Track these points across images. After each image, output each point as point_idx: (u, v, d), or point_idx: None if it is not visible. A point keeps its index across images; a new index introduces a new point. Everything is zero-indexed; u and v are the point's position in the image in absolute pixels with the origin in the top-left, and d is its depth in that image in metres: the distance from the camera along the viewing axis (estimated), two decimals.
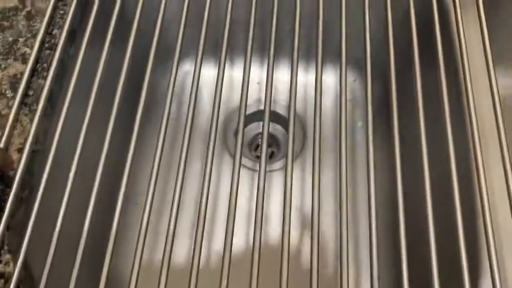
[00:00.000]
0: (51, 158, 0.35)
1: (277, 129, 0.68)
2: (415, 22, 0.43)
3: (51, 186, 0.34)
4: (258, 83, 0.67)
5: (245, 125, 0.66)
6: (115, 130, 0.37)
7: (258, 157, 0.66)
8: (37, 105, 0.36)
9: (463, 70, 0.41)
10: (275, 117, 0.66)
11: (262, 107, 0.66)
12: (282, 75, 0.67)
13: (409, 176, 0.38)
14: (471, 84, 0.40)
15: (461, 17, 0.43)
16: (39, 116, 0.36)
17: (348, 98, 0.66)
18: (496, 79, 0.41)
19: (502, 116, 0.39)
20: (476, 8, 0.44)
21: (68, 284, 0.31)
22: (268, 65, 0.42)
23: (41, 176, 0.34)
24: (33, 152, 0.35)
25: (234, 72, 0.68)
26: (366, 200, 0.43)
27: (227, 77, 0.67)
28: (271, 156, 0.66)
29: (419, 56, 0.42)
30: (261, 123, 0.67)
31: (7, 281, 0.31)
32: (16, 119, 0.36)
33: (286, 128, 0.67)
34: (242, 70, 0.42)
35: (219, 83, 0.41)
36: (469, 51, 0.43)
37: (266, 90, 0.41)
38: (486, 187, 0.35)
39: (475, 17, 0.45)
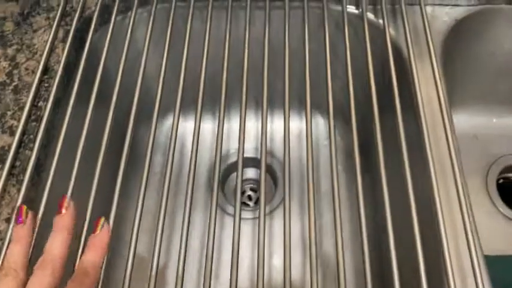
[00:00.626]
0: (37, 226, 0.37)
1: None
2: (379, 78, 0.47)
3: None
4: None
5: (229, 173, 0.70)
6: (100, 188, 0.40)
7: (244, 203, 0.68)
8: (24, 175, 0.39)
9: (418, 116, 0.44)
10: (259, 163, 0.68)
11: (246, 155, 0.69)
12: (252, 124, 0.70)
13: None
14: (426, 127, 0.43)
15: (417, 69, 0.47)
16: (26, 186, 0.38)
17: (325, 142, 0.69)
18: (450, 122, 0.44)
19: (455, 150, 0.42)
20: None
21: None
22: (240, 117, 0.45)
23: None
24: None
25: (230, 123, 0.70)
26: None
27: (213, 129, 0.70)
28: (256, 202, 0.68)
29: (379, 106, 0.45)
30: (246, 170, 0.70)
31: None
32: (4, 190, 0.39)
33: (271, 173, 0.70)
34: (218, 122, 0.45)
35: (196, 136, 0.44)
36: (428, 98, 0.47)
37: (239, 141, 0.44)
38: (444, 224, 0.38)
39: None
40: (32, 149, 0.40)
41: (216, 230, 0.65)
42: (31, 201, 0.40)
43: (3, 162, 0.40)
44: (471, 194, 0.61)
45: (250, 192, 0.70)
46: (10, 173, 0.39)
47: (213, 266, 0.38)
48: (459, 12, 0.53)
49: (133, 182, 0.61)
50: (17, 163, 0.40)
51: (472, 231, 0.38)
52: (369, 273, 0.36)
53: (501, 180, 0.65)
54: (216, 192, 0.42)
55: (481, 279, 0.35)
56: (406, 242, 0.39)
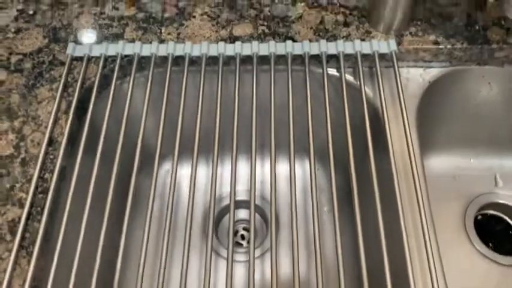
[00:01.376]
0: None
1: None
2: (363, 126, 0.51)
3: None
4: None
5: (222, 216, 0.74)
6: (105, 245, 0.44)
7: (237, 243, 0.72)
8: (33, 247, 0.43)
9: (389, 162, 0.49)
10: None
11: (238, 198, 0.73)
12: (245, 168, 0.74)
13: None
14: (397, 173, 0.48)
15: (389, 124, 0.51)
16: (35, 257, 0.42)
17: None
18: (419, 168, 0.50)
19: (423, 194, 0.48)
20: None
21: None
22: (232, 162, 0.49)
23: None
24: None
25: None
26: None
27: (207, 173, 0.74)
28: (249, 241, 0.72)
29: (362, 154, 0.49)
30: (239, 210, 0.74)
31: None
32: (15, 262, 0.42)
33: (261, 214, 0.74)
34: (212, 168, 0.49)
35: (192, 181, 0.48)
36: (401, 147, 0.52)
37: (231, 185, 0.48)
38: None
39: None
40: (39, 221, 0.44)
41: (212, 273, 0.70)
42: (41, 270, 0.44)
43: (14, 234, 0.43)
44: (450, 232, 0.66)
45: (243, 232, 0.74)
46: (20, 245, 0.43)
47: None
48: (433, 73, 0.57)
49: (133, 226, 0.65)
50: (27, 235, 0.44)
51: (436, 274, 0.43)
52: None
53: (479, 217, 0.69)
54: (211, 237, 0.45)
55: None
56: (380, 283, 0.44)
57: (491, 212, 0.70)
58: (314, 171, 0.49)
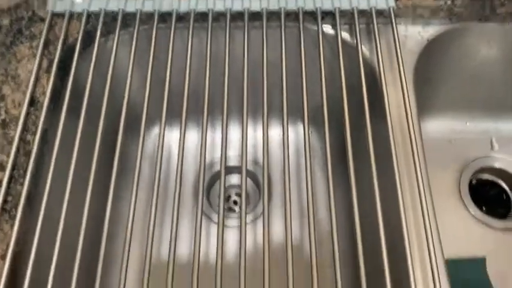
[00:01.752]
0: (32, 259, 0.39)
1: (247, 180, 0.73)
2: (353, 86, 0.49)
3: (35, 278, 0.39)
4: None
5: (214, 181, 0.72)
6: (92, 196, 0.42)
7: (230, 208, 0.71)
8: (16, 211, 0.41)
9: (386, 122, 0.48)
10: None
11: (230, 163, 0.71)
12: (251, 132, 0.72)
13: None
14: (393, 134, 0.47)
15: (386, 83, 0.50)
16: (19, 221, 0.40)
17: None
18: (416, 131, 0.48)
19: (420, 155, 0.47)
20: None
21: None
22: (222, 126, 0.48)
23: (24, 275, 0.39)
24: (15, 254, 0.40)
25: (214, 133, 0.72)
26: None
27: (198, 138, 0.72)
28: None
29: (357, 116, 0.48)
30: (231, 176, 0.73)
31: None
32: None
33: (253, 179, 0.72)
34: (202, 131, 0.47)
35: (181, 145, 0.46)
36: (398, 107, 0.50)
37: (222, 148, 0.47)
38: (408, 236, 0.42)
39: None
40: (22, 184, 0.42)
41: (203, 237, 0.69)
42: (24, 234, 0.42)
43: None
44: (444, 197, 0.65)
45: (235, 197, 0.73)
46: (2, 208, 0.41)
47: (199, 273, 0.41)
48: (432, 31, 0.55)
49: (123, 191, 0.64)
50: (9, 198, 0.42)
51: (432, 238, 0.42)
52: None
53: (474, 181, 0.68)
54: (201, 200, 0.44)
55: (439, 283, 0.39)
56: (374, 248, 0.43)
57: (486, 176, 0.69)
58: (308, 134, 0.47)
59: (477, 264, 0.60)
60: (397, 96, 0.51)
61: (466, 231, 0.63)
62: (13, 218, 0.41)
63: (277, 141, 0.71)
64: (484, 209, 0.66)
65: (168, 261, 0.40)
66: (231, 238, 0.66)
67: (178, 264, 0.62)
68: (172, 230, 0.43)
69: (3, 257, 0.39)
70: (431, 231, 0.42)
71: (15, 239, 0.40)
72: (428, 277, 0.42)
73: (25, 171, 0.43)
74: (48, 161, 0.44)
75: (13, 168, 0.43)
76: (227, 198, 0.73)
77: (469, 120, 0.70)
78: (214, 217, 0.67)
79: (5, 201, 0.42)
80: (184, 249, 0.64)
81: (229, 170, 0.72)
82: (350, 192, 0.44)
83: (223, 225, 0.44)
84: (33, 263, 0.39)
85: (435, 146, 0.67)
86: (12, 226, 0.40)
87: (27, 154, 0.44)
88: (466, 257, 0.60)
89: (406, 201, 0.46)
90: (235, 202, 0.73)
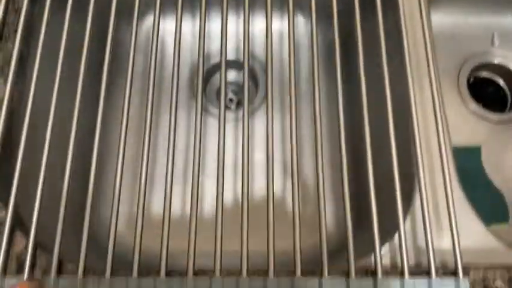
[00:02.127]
0: (27, 116, 0.38)
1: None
2: None
3: (31, 143, 0.38)
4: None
5: (211, 75, 0.70)
6: (85, 87, 0.41)
7: (227, 107, 0.70)
8: (9, 68, 0.39)
9: (398, 13, 0.46)
10: (240, 65, 0.69)
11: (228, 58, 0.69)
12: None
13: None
14: (405, 25, 0.44)
15: None
16: (12, 77, 0.39)
17: (306, 42, 0.70)
18: (428, 22, 0.46)
19: (431, 49, 0.45)
20: None
21: (56, 225, 0.35)
22: (222, 15, 0.45)
23: (20, 134, 0.38)
24: (10, 113, 0.38)
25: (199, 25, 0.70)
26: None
27: (192, 30, 0.69)
28: (239, 104, 0.70)
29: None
30: (228, 71, 0.71)
31: (1, 224, 0.36)
32: None
33: (252, 75, 0.71)
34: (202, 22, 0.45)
35: (177, 37, 0.44)
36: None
37: (222, 40, 0.45)
38: (418, 124, 0.41)
39: None
40: (13, 42, 0.40)
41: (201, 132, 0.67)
42: (19, 94, 0.41)
43: None
44: (443, 91, 0.65)
45: (231, 95, 0.71)
46: None
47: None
48: None
49: (116, 82, 0.62)
50: (0, 55, 0.40)
51: (442, 125, 0.41)
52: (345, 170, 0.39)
53: (472, 80, 0.68)
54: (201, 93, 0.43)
55: (448, 169, 0.39)
56: (381, 136, 0.42)
57: (485, 74, 0.68)
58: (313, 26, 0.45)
59: (472, 153, 0.60)
60: None
61: (462, 123, 0.63)
62: (6, 75, 0.39)
63: (275, 35, 0.69)
64: (481, 104, 0.66)
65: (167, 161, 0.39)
66: (227, 133, 0.66)
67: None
68: (171, 124, 0.42)
69: None
70: (442, 120, 0.42)
71: (9, 95, 0.39)
72: (435, 165, 0.42)
73: (16, 29, 0.41)
74: (39, 26, 0.42)
75: (3, 25, 0.41)
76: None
77: (472, 14, 0.68)
78: (211, 110, 0.66)
79: None
80: (180, 146, 0.64)
81: (215, 67, 0.70)
82: (355, 85, 0.43)
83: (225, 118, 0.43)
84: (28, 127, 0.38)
85: (435, 40, 0.66)
86: (5, 82, 0.39)
87: (17, 12, 0.42)
88: (461, 146, 0.60)
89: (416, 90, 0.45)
90: (230, 100, 0.71)
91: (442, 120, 0.42)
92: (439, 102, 0.43)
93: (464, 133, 0.62)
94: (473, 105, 0.64)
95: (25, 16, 0.41)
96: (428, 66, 0.44)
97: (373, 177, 0.39)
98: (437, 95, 0.43)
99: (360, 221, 0.45)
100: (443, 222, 0.39)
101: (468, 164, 0.59)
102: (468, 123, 0.63)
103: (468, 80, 0.67)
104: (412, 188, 0.41)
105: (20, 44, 0.40)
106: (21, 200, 0.36)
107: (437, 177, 0.41)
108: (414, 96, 0.42)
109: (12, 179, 0.36)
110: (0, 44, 0.41)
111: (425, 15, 0.46)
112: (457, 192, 0.41)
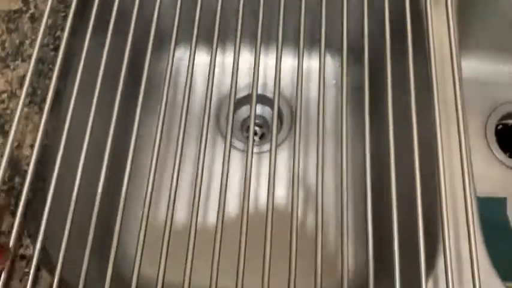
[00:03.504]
0: (61, 151, 0.39)
1: (267, 111, 0.72)
2: (392, 18, 0.47)
3: (63, 177, 0.39)
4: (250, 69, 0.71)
5: (236, 108, 0.71)
6: (118, 119, 0.42)
7: (248, 138, 0.70)
8: (44, 103, 0.40)
9: (429, 58, 0.45)
10: (265, 100, 0.70)
11: (240, 94, 0.70)
12: (272, 60, 0.70)
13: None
14: (435, 70, 0.44)
15: (431, 12, 0.47)
16: (47, 112, 0.40)
17: (333, 81, 0.70)
18: (458, 67, 0.45)
19: (461, 94, 0.44)
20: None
21: (82, 261, 0.36)
22: (255, 51, 0.46)
23: (53, 168, 0.38)
24: (44, 147, 0.39)
25: (227, 58, 0.71)
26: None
27: (220, 63, 0.70)
28: (261, 137, 0.71)
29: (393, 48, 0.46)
30: (242, 107, 0.71)
31: (28, 262, 0.36)
32: (26, 117, 0.40)
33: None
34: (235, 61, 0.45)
35: (211, 69, 0.45)
36: (439, 42, 0.47)
37: (254, 74, 0.45)
38: (444, 168, 0.41)
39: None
40: (50, 78, 0.41)
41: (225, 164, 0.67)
42: (54, 130, 0.42)
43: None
44: (470, 138, 0.64)
45: (256, 128, 0.72)
46: (32, 101, 0.41)
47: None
48: None
49: (145, 113, 0.63)
50: (38, 91, 0.41)
51: (468, 173, 0.41)
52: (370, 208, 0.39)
53: (500, 126, 0.67)
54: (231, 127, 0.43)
55: (472, 219, 0.38)
56: (406, 182, 0.42)
57: None
58: (343, 64, 0.45)
59: (498, 204, 0.59)
60: (440, 31, 0.48)
61: (488, 173, 0.62)
62: (42, 110, 0.40)
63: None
64: (508, 154, 0.65)
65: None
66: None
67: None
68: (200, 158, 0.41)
69: (32, 146, 0.39)
70: (467, 168, 0.41)
71: (43, 130, 0.39)
72: (458, 214, 0.42)
73: (54, 66, 0.42)
74: (77, 62, 0.43)
75: (41, 62, 0.42)
76: (246, 128, 0.72)
77: (504, 64, 0.67)
78: (236, 144, 0.67)
79: (34, 94, 0.41)
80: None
81: (246, 100, 0.70)
82: (382, 131, 0.43)
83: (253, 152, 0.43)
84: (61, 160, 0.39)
85: (465, 85, 0.65)
86: (41, 118, 0.40)
87: (56, 49, 0.43)
88: (487, 197, 0.59)
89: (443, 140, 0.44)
90: (255, 133, 0.72)
91: (469, 172, 0.42)
92: (467, 155, 0.42)
93: (490, 183, 0.61)
94: (500, 154, 0.63)
95: (63, 54, 0.42)
96: (456, 111, 0.44)
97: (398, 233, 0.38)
98: (465, 143, 0.42)
99: (379, 278, 0.44)
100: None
101: (493, 215, 0.58)
102: (494, 173, 0.62)
103: (497, 127, 0.66)
104: (435, 245, 0.41)
105: (56, 79, 0.41)
106: (49, 235, 0.37)
107: (461, 234, 0.41)
108: (442, 145, 0.42)
109: (42, 215, 0.36)
110: (39, 81, 0.42)
111: (456, 61, 0.46)
112: (481, 252, 0.40)
